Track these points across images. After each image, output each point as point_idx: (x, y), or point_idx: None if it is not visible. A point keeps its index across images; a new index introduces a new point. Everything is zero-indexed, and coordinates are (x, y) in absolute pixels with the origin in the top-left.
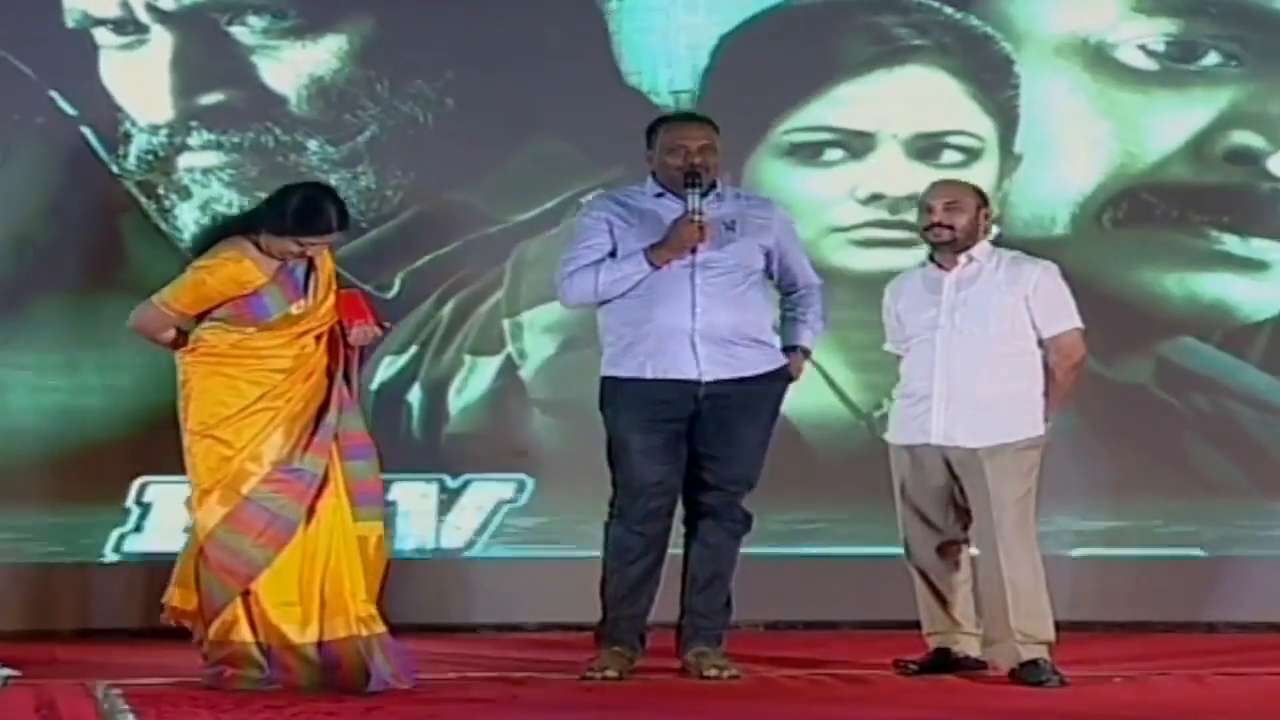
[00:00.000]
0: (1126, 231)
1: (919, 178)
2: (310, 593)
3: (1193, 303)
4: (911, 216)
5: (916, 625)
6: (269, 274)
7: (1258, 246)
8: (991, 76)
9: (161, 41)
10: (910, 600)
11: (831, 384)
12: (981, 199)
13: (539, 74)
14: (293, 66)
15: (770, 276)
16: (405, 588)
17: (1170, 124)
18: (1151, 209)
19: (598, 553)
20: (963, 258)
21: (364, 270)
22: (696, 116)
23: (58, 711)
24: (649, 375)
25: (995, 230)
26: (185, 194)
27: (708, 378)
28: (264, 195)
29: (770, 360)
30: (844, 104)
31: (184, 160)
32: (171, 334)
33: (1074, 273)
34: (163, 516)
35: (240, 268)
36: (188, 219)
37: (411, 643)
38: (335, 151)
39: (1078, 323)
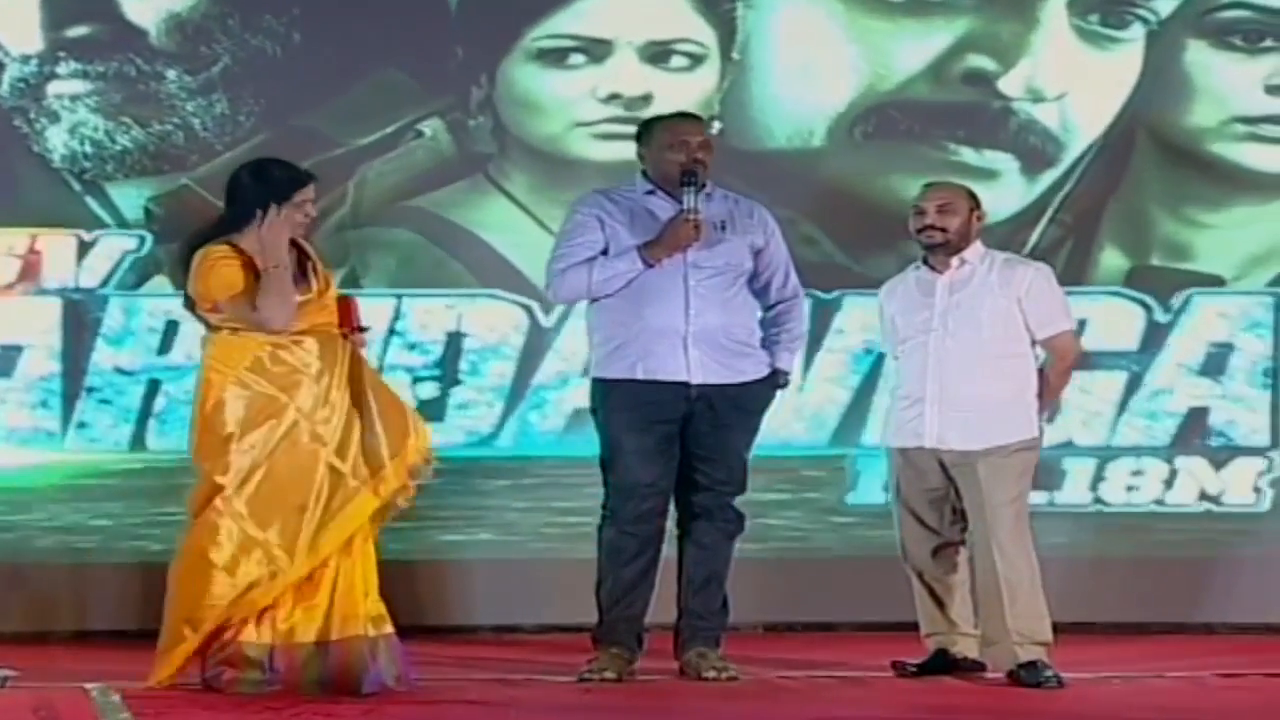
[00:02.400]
0: (875, 144)
1: (651, 79)
2: (322, 590)
3: None
4: (648, 114)
5: (915, 627)
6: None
7: (989, 157)
8: None
9: None
10: (908, 602)
11: None
12: (974, 201)
13: (377, 10)
14: (152, 3)
15: (752, 279)
16: (405, 589)
17: (913, 48)
18: (897, 124)
19: (595, 553)
20: (955, 260)
21: (219, 189)
22: (693, 115)
23: (56, 713)
24: (640, 376)
25: (717, 125)
26: (55, 118)
27: (697, 380)
28: (129, 119)
29: (758, 366)
30: (585, 14)
31: (53, 88)
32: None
33: (830, 181)
34: None
35: (225, 250)
36: (57, 142)
37: (411, 644)
38: (192, 80)
39: (1072, 324)
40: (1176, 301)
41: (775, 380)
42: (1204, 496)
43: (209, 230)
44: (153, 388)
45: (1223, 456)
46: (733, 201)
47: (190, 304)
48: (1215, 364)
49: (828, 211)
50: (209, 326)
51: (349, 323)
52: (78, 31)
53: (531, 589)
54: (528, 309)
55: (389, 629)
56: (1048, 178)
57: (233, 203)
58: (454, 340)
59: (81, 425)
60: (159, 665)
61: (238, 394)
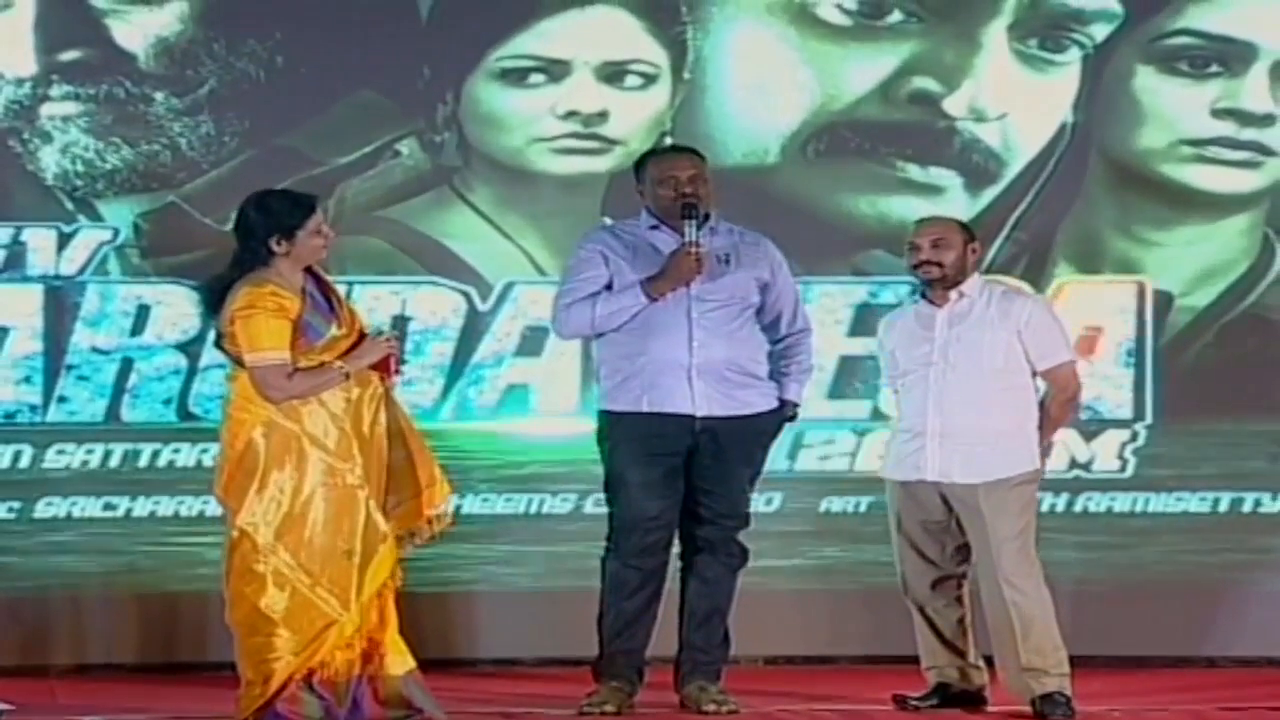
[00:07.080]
0: (827, 161)
1: (606, 98)
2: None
3: (882, 221)
4: (604, 130)
5: (916, 660)
6: (299, 299)
7: (934, 174)
8: (664, 15)
9: (25, 5)
10: (909, 635)
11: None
12: (968, 234)
13: (356, 35)
14: (141, 28)
15: (761, 313)
16: (405, 622)
17: (862, 71)
18: (848, 142)
19: (596, 586)
20: (954, 294)
21: (205, 206)
22: (683, 148)
23: None
24: (645, 409)
25: (665, 139)
26: (47, 139)
27: (702, 413)
28: (118, 138)
29: (765, 398)
30: (545, 36)
31: (46, 109)
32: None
33: (783, 196)
34: None
35: (272, 289)
36: (49, 161)
37: None
38: (179, 103)
39: (1072, 355)
40: (1050, 289)
41: (783, 412)
42: (1074, 464)
43: (232, 271)
44: (126, 366)
45: (1092, 428)
46: (737, 235)
47: (220, 339)
48: (1086, 345)
49: (781, 227)
50: (237, 363)
51: (385, 365)
52: (69, 55)
53: (532, 622)
54: (466, 295)
55: (413, 662)
56: (989, 193)
57: (245, 238)
58: (399, 323)
59: (62, 399)
60: (240, 706)
61: (266, 433)
